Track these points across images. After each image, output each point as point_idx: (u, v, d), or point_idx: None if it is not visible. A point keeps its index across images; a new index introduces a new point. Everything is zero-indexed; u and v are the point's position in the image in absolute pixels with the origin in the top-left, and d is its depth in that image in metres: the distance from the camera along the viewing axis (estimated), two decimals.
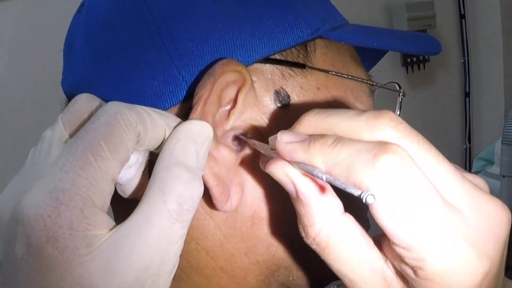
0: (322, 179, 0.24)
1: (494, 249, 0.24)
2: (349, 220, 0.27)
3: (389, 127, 0.24)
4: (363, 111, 0.26)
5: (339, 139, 0.25)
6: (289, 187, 0.27)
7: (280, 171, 0.27)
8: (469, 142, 1.91)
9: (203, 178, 0.27)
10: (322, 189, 0.26)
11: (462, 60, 1.87)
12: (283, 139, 0.27)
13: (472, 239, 0.24)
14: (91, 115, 0.27)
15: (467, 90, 1.88)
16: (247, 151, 0.33)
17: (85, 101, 0.28)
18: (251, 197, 0.33)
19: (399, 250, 0.24)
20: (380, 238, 0.27)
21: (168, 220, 0.24)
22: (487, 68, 1.87)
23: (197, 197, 0.26)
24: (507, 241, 0.26)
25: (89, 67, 0.35)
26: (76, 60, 0.36)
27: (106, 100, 0.29)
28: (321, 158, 0.25)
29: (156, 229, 0.24)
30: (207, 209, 0.33)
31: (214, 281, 0.35)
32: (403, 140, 0.24)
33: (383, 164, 0.23)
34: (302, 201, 0.27)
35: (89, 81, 0.35)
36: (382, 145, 0.24)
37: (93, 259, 0.23)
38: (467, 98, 1.89)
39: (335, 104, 0.35)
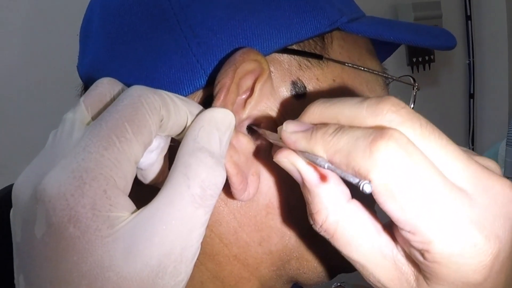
0: (324, 167, 0.24)
1: (503, 230, 0.24)
2: (356, 206, 0.27)
3: (390, 112, 0.24)
4: (367, 98, 0.26)
5: (340, 127, 0.25)
6: (295, 175, 0.27)
7: (286, 159, 0.27)
8: (473, 144, 1.90)
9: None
10: (325, 177, 0.26)
11: (467, 61, 1.87)
12: (288, 129, 0.27)
13: (479, 220, 0.24)
14: (113, 98, 0.27)
15: (472, 92, 1.88)
16: (262, 140, 0.33)
17: (107, 85, 0.28)
18: (266, 186, 0.34)
19: (405, 234, 0.24)
20: (390, 223, 0.27)
21: (191, 204, 0.24)
22: (492, 70, 1.87)
23: (221, 183, 0.26)
24: None
25: (105, 52, 0.35)
26: (93, 44, 0.36)
27: (125, 85, 0.28)
28: (322, 146, 0.25)
29: (179, 214, 0.24)
30: (223, 196, 0.33)
31: (227, 269, 0.35)
32: (405, 124, 0.24)
33: (379, 150, 0.23)
34: (308, 189, 0.27)
35: (105, 66, 0.34)
36: (379, 131, 0.24)
37: (115, 240, 0.22)
38: (471, 99, 1.88)
39: (350, 96, 0.35)
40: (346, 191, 0.27)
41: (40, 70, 1.00)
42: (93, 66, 0.36)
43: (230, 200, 0.34)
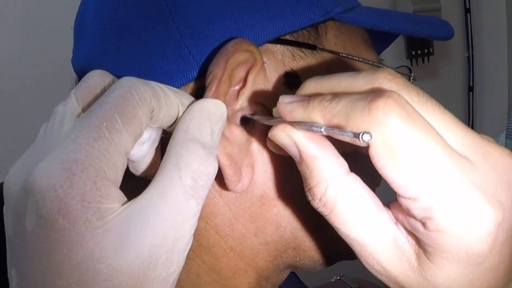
0: (321, 132, 0.24)
1: (506, 197, 0.23)
2: (356, 180, 0.26)
3: (386, 80, 0.24)
4: (362, 70, 0.26)
5: (337, 94, 0.25)
6: (292, 150, 0.27)
7: (282, 133, 0.27)
8: None
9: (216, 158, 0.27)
10: (323, 147, 0.26)
11: (467, 54, 1.86)
12: (284, 100, 0.27)
13: (481, 184, 0.23)
14: (104, 90, 0.27)
15: (471, 84, 1.87)
16: (256, 131, 0.33)
17: (98, 77, 0.28)
18: (261, 177, 0.33)
19: (405, 202, 0.24)
20: (389, 204, 0.27)
21: (183, 195, 0.24)
22: (491, 63, 1.86)
23: (212, 174, 0.26)
24: None
25: (99, 45, 0.34)
26: (87, 37, 0.36)
27: (117, 77, 0.28)
28: (320, 112, 0.25)
29: (170, 204, 0.24)
30: (217, 187, 0.33)
31: (223, 261, 0.35)
32: (402, 91, 0.24)
33: (378, 108, 0.23)
34: (306, 162, 0.26)
35: (99, 59, 0.34)
36: (378, 92, 0.24)
37: (105, 232, 0.22)
38: (471, 92, 1.88)
39: None
40: (344, 164, 0.26)
41: (37, 65, 1.00)
42: (87, 59, 0.36)
43: (224, 192, 0.33)
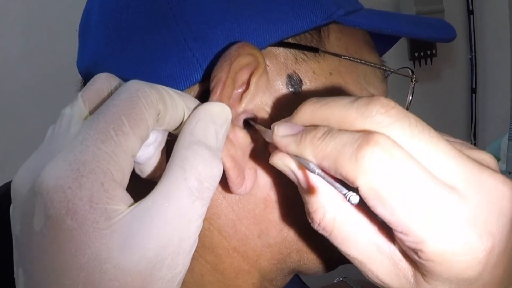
0: (315, 173, 0.25)
1: (497, 225, 0.24)
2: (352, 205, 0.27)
3: (379, 114, 0.25)
4: (357, 98, 0.26)
5: (328, 131, 0.26)
6: (291, 176, 0.28)
7: (280, 162, 0.28)
8: (475, 139, 1.90)
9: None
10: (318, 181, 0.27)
11: (469, 56, 1.86)
12: (279, 133, 0.28)
13: (470, 217, 0.24)
14: (110, 93, 0.28)
15: (474, 86, 1.87)
16: (259, 134, 0.33)
17: (105, 80, 0.28)
18: (264, 180, 0.34)
19: (398, 234, 0.25)
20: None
21: (188, 197, 0.24)
22: (494, 65, 1.86)
23: (217, 176, 0.26)
24: None
25: (104, 48, 0.35)
26: (91, 40, 0.36)
27: (122, 79, 0.29)
28: (311, 151, 0.26)
29: (176, 206, 0.24)
30: (220, 189, 0.34)
31: (226, 261, 0.35)
32: (394, 124, 0.24)
33: (365, 156, 0.23)
34: (304, 189, 0.27)
35: (104, 61, 0.35)
36: (365, 136, 0.24)
37: (112, 233, 0.22)
38: (473, 94, 1.88)
39: (347, 90, 0.35)
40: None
41: (40, 66, 1.00)
42: (92, 61, 0.36)
43: (228, 194, 0.34)
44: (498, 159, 1.75)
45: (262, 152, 0.33)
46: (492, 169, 0.25)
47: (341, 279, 0.79)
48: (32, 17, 1.01)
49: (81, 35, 0.39)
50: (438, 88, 1.77)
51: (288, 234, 0.35)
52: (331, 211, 0.27)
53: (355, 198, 0.22)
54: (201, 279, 0.36)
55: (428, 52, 1.67)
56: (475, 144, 1.98)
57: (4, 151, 0.97)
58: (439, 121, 1.83)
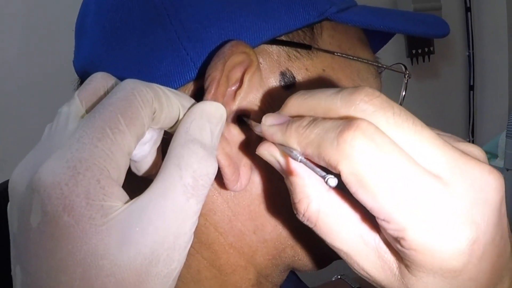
0: (298, 160, 0.25)
1: (482, 215, 0.24)
2: (336, 195, 0.27)
3: (363, 102, 0.25)
4: (342, 88, 0.26)
5: (313, 120, 0.26)
6: (277, 166, 0.28)
7: (266, 152, 0.28)
8: (473, 136, 1.90)
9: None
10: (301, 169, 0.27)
11: (467, 53, 1.86)
12: (266, 122, 0.28)
13: (454, 205, 0.24)
14: (107, 92, 0.28)
15: (472, 83, 1.87)
16: (253, 131, 0.33)
17: (101, 79, 0.28)
18: (259, 176, 0.34)
19: (380, 222, 0.25)
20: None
21: (183, 194, 0.25)
22: (492, 62, 1.86)
23: (212, 174, 0.26)
24: (504, 206, 0.25)
25: (100, 47, 0.35)
26: (88, 39, 0.37)
27: (118, 78, 0.29)
28: (296, 139, 0.26)
29: (172, 203, 0.24)
30: (216, 185, 0.34)
31: (223, 257, 0.35)
32: (378, 113, 0.24)
33: (345, 141, 0.24)
34: (289, 179, 0.28)
35: (100, 61, 0.35)
36: (348, 122, 0.24)
37: (108, 229, 0.23)
38: (471, 91, 1.88)
39: (340, 86, 0.36)
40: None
41: (39, 66, 1.01)
42: (89, 60, 0.36)
43: (223, 190, 0.34)
44: (496, 156, 1.75)
45: (255, 149, 0.33)
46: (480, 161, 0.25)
47: (339, 276, 0.79)
48: (30, 17, 1.01)
49: (77, 34, 0.39)
50: (435, 85, 1.78)
51: (283, 230, 0.35)
52: (315, 201, 0.27)
53: (333, 181, 0.23)
54: (198, 274, 0.36)
55: (426, 50, 1.67)
56: (473, 141, 1.99)
57: (3, 150, 0.97)
58: (436, 118, 1.83)
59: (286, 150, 0.26)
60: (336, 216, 0.27)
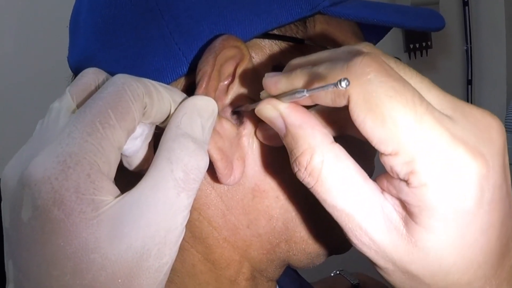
0: (304, 95, 0.24)
1: (488, 152, 0.24)
2: (341, 150, 0.27)
3: (365, 49, 0.25)
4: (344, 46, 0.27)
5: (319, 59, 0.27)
6: (278, 122, 0.28)
7: (268, 105, 0.28)
8: None
9: (208, 152, 0.28)
10: (308, 116, 0.27)
11: (465, 47, 1.86)
12: (269, 75, 0.28)
13: (462, 137, 0.23)
14: (98, 87, 0.28)
15: (470, 78, 1.87)
16: (246, 124, 0.33)
17: (92, 74, 0.28)
18: (252, 170, 0.34)
19: (387, 160, 0.24)
20: (374, 179, 0.27)
21: (174, 188, 0.25)
22: (490, 56, 1.86)
23: (203, 168, 0.26)
24: (507, 159, 0.25)
25: (93, 43, 0.35)
26: (81, 35, 0.37)
27: (111, 74, 0.29)
28: (302, 78, 0.26)
29: (162, 197, 0.24)
30: (209, 179, 0.34)
31: (217, 251, 0.36)
32: (383, 56, 0.25)
33: (356, 63, 0.23)
34: (291, 132, 0.27)
35: (93, 56, 0.35)
36: (356, 51, 0.25)
37: (99, 223, 0.23)
38: (469, 86, 1.88)
39: None
40: (329, 134, 0.27)
41: (34, 63, 1.01)
42: (82, 56, 0.36)
43: (217, 184, 0.34)
44: None
45: (249, 142, 0.34)
46: None
47: (338, 272, 0.80)
48: (24, 14, 1.01)
49: (71, 31, 0.39)
50: (433, 80, 1.74)
51: (277, 224, 0.36)
52: (319, 152, 0.26)
53: (345, 82, 0.21)
54: (193, 268, 0.36)
55: (424, 44, 1.67)
56: None
57: (0, 148, 0.97)
58: None
59: (290, 96, 0.26)
60: (340, 171, 0.26)
